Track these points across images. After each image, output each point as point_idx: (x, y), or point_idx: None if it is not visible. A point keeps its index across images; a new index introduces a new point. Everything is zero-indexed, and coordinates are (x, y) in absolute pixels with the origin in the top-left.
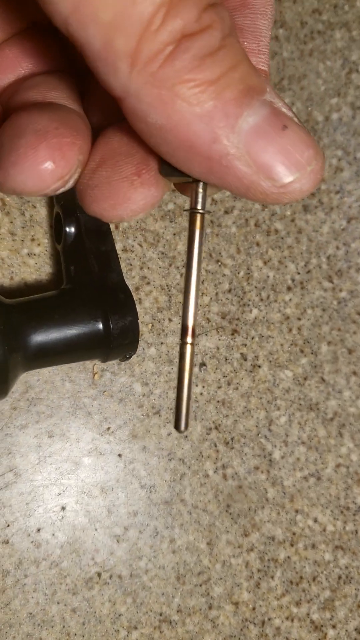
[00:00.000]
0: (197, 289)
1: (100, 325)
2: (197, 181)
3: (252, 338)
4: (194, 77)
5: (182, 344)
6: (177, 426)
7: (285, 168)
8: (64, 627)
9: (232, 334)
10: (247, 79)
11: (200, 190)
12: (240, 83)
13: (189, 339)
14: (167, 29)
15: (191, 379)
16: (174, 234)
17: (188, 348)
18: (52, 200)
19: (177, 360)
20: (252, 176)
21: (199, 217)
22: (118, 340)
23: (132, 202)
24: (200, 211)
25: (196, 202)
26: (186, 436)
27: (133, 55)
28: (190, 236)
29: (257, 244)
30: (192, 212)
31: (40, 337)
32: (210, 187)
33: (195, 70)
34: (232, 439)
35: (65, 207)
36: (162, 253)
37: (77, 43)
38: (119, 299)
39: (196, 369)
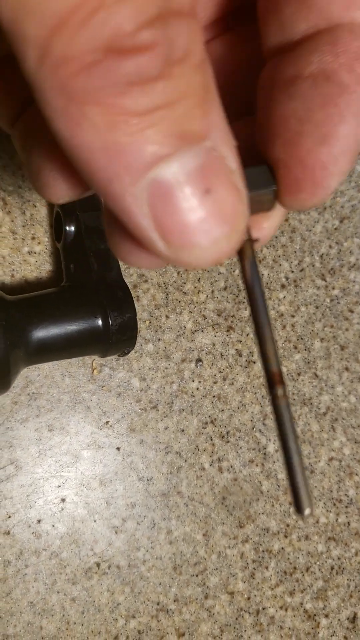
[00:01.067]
0: (271, 327)
1: (100, 322)
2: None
3: (247, 335)
4: (112, 102)
5: (274, 398)
6: (299, 509)
7: (188, 238)
8: (63, 615)
9: (228, 331)
10: (185, 121)
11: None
12: (173, 125)
13: (279, 390)
14: (90, 33)
15: (298, 442)
16: None
17: (282, 402)
18: None
19: (174, 356)
20: (147, 231)
21: (248, 245)
22: (117, 336)
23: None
24: (249, 239)
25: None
26: (182, 430)
27: (43, 47)
28: (244, 269)
29: None
30: (244, 242)
31: (41, 333)
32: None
33: (117, 95)
34: (227, 432)
35: (65, 206)
36: None
37: None
38: (118, 296)
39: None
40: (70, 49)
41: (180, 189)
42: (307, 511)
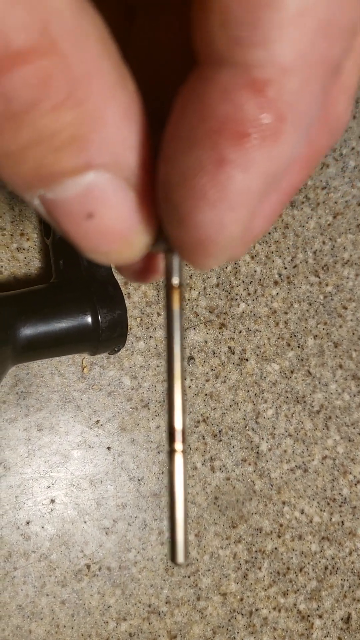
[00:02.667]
0: (183, 383)
1: (89, 319)
2: (169, 250)
3: (240, 332)
4: None
5: (171, 452)
6: (172, 558)
7: (82, 244)
8: (53, 619)
9: (220, 328)
10: (49, 162)
11: (173, 259)
12: (37, 165)
13: (178, 445)
14: None
15: (186, 497)
16: None
17: (178, 458)
18: None
19: (165, 354)
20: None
21: (176, 292)
22: (106, 333)
23: None
24: (176, 284)
25: (169, 273)
26: None
27: None
28: (169, 316)
29: None
30: (168, 286)
31: (30, 331)
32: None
33: None
34: (220, 431)
35: None
36: None
37: None
38: (108, 293)
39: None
40: None
41: (63, 210)
42: (181, 560)
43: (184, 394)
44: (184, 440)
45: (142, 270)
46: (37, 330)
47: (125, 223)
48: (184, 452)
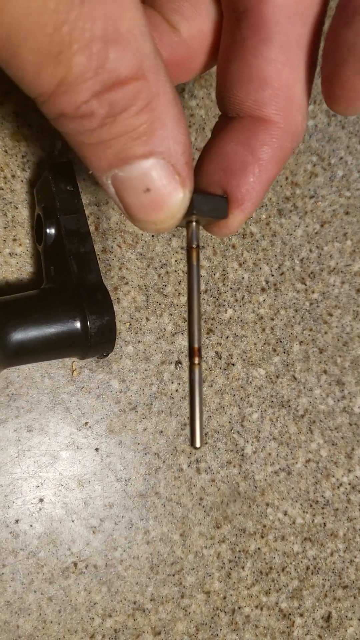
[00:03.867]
0: (199, 315)
1: (78, 324)
2: (190, 220)
3: (227, 337)
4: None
5: (191, 365)
6: (192, 443)
7: (135, 215)
8: (40, 614)
9: (208, 333)
10: (125, 149)
11: (194, 228)
12: (117, 151)
13: (196, 360)
14: (58, 104)
15: (202, 397)
16: (152, 236)
17: (197, 369)
18: (34, 202)
19: (153, 358)
20: (115, 201)
21: (194, 252)
22: (95, 338)
23: None
24: (195, 246)
25: (190, 239)
26: (161, 431)
27: (46, 95)
28: (190, 269)
29: (233, 247)
30: (189, 247)
31: (20, 335)
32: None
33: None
34: (205, 434)
35: (46, 208)
36: (141, 254)
37: None
38: (97, 299)
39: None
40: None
41: (128, 186)
42: (198, 444)
43: (200, 323)
44: (199, 356)
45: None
46: (28, 335)
47: (170, 197)
48: (199, 365)
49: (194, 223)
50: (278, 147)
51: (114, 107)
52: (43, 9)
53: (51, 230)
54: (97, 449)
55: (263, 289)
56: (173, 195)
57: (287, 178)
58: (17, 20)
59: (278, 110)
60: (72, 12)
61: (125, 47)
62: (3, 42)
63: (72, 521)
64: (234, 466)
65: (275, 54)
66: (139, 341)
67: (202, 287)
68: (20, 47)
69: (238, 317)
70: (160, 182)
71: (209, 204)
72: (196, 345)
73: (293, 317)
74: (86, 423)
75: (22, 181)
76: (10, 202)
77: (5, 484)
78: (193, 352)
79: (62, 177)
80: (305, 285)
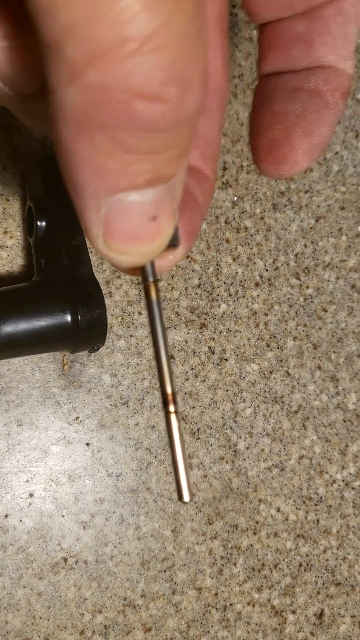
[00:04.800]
0: (168, 356)
1: (69, 318)
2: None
3: (220, 332)
4: (120, 139)
5: (167, 414)
6: (180, 498)
7: (124, 246)
8: (29, 610)
9: (201, 328)
10: (163, 167)
11: (148, 264)
12: (153, 168)
13: (171, 407)
14: (123, 71)
15: (184, 447)
16: None
17: (173, 417)
18: (26, 194)
19: (146, 352)
20: (93, 227)
21: (153, 286)
22: (86, 332)
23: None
24: (152, 280)
25: (147, 274)
26: (153, 426)
27: (77, 70)
28: (149, 306)
29: (227, 241)
30: (146, 283)
31: (10, 328)
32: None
33: (127, 135)
34: (198, 429)
35: (37, 201)
36: None
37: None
38: (88, 292)
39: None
40: (103, 80)
41: (135, 211)
42: (187, 499)
43: (169, 364)
44: (175, 403)
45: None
46: (18, 327)
47: (167, 227)
48: (176, 412)
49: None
50: None
51: (185, 104)
52: None
53: (42, 223)
54: (88, 444)
55: (257, 284)
56: (170, 225)
57: None
58: None
59: None
60: None
61: None
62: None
63: (63, 516)
64: (227, 462)
65: None
66: (131, 335)
67: (196, 282)
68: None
69: (232, 312)
70: (168, 210)
71: None
72: (169, 391)
73: (287, 312)
74: (77, 417)
75: (13, 173)
76: (2, 194)
77: None
78: (167, 399)
79: (53, 169)
80: (300, 280)
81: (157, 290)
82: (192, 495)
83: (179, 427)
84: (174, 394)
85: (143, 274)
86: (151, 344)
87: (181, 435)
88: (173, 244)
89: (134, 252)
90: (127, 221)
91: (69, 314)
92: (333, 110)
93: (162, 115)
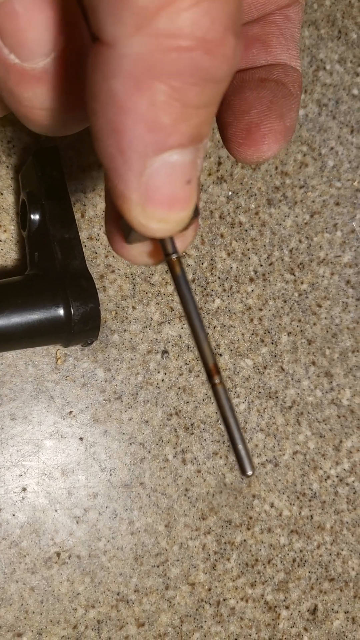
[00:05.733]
0: (204, 329)
1: (62, 311)
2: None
3: (214, 327)
4: (180, 88)
5: (213, 386)
6: (243, 472)
7: (163, 211)
8: (22, 604)
9: None
10: (203, 126)
11: (169, 238)
12: (198, 125)
13: (216, 379)
14: (192, 18)
15: (237, 418)
16: None
17: (220, 389)
18: (19, 188)
19: (140, 347)
20: (131, 192)
21: (176, 262)
22: (79, 326)
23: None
24: (175, 256)
25: (170, 249)
26: (147, 421)
27: (147, 18)
28: (177, 282)
29: (222, 236)
30: (169, 259)
31: (2, 321)
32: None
33: (186, 86)
34: (192, 424)
35: (31, 194)
36: None
37: None
38: (81, 286)
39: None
40: (172, 27)
41: (176, 173)
42: (249, 472)
43: (207, 337)
44: (219, 374)
45: (154, 251)
46: (10, 321)
47: (198, 190)
48: (222, 383)
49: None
50: None
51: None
52: None
53: (36, 216)
54: (81, 438)
55: (251, 279)
56: (198, 191)
57: (277, 168)
58: None
59: None
60: None
61: None
62: None
63: (56, 511)
64: (220, 457)
65: None
66: (125, 330)
67: (190, 277)
68: None
69: (226, 307)
70: (198, 174)
71: None
72: (211, 363)
73: (282, 307)
74: (70, 412)
75: (7, 167)
76: None
77: None
78: (211, 372)
79: (47, 162)
80: (295, 275)
81: (181, 265)
82: (254, 467)
83: (228, 398)
84: (216, 365)
85: (166, 249)
86: (185, 321)
87: (232, 406)
88: (195, 214)
89: (172, 219)
90: (169, 184)
91: (62, 307)
92: (296, 99)
93: (221, 64)
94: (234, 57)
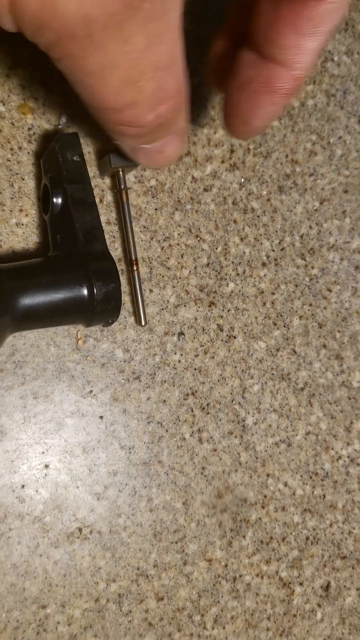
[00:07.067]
0: (133, 233)
1: (85, 291)
2: (116, 170)
3: (229, 310)
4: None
5: (132, 272)
6: (139, 322)
7: (147, 163)
8: (46, 578)
9: (210, 306)
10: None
11: (122, 173)
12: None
13: (135, 268)
14: None
15: (141, 287)
16: (156, 209)
17: (136, 274)
18: (40, 174)
19: (157, 329)
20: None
21: (124, 193)
22: (101, 305)
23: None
24: (123, 188)
25: (123, 182)
26: (164, 400)
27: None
28: (122, 206)
29: (235, 222)
30: (119, 190)
31: (28, 301)
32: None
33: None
34: (207, 404)
35: (53, 178)
36: (144, 227)
37: None
38: (103, 267)
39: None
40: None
41: (149, 151)
42: (144, 324)
43: (134, 237)
44: (137, 265)
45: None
46: (35, 300)
47: (175, 154)
48: (137, 270)
49: (119, 171)
50: None
51: (163, 117)
52: (133, 51)
53: (58, 200)
54: (101, 417)
55: (264, 264)
56: (177, 153)
57: (287, 156)
58: (113, 59)
59: None
60: (149, 50)
61: (174, 72)
62: (96, 74)
63: (77, 487)
64: (235, 437)
65: None
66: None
67: (205, 261)
68: (109, 77)
69: (239, 291)
70: (171, 149)
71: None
72: (134, 258)
73: (293, 292)
74: (91, 391)
75: (28, 153)
76: (17, 174)
77: (12, 449)
78: (132, 262)
79: (68, 147)
80: (305, 260)
81: (127, 196)
82: (146, 320)
83: (139, 279)
84: (136, 260)
85: (117, 185)
86: (123, 229)
87: (140, 286)
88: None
89: (155, 164)
90: (146, 156)
91: (85, 287)
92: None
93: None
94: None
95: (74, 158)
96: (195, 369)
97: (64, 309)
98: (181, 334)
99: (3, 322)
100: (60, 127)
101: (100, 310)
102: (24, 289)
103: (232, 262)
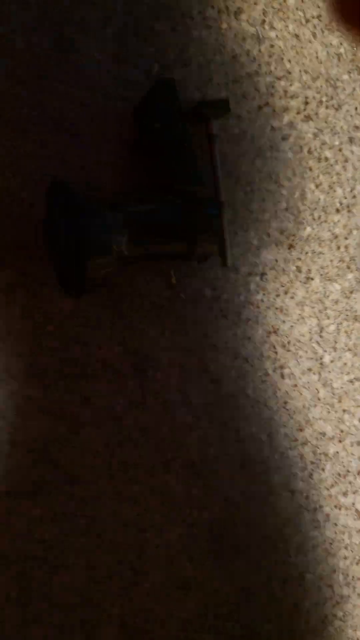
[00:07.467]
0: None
1: (187, 219)
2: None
3: (306, 253)
4: None
5: (219, 214)
6: (224, 263)
7: None
8: (145, 504)
9: (289, 249)
10: None
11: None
12: None
13: (223, 210)
14: None
15: (226, 225)
16: (238, 156)
17: (223, 216)
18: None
19: (241, 269)
20: None
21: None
22: (203, 236)
23: None
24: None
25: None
26: (249, 337)
27: None
28: (213, 153)
29: (310, 169)
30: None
31: (143, 219)
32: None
33: None
34: (288, 342)
35: (159, 121)
36: (229, 172)
37: None
38: (205, 199)
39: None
40: None
41: None
42: (230, 264)
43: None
44: (223, 206)
45: None
46: (147, 220)
47: None
48: (224, 213)
49: (209, 119)
50: None
51: None
52: None
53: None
54: (190, 350)
55: (337, 210)
56: None
57: (356, 108)
58: None
59: None
60: None
61: None
62: None
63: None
64: (314, 373)
65: None
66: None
67: (284, 205)
68: None
69: (316, 235)
70: None
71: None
72: (222, 199)
73: None
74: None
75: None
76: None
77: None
78: (220, 204)
79: (166, 94)
80: None
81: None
82: (233, 261)
83: (226, 226)
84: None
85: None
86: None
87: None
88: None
89: None
90: None
91: (189, 214)
92: None
93: None
94: None
95: (172, 102)
96: (276, 308)
97: (171, 232)
98: (263, 274)
99: (122, 239)
100: (153, 74)
101: (202, 240)
102: (138, 210)
103: (309, 207)
